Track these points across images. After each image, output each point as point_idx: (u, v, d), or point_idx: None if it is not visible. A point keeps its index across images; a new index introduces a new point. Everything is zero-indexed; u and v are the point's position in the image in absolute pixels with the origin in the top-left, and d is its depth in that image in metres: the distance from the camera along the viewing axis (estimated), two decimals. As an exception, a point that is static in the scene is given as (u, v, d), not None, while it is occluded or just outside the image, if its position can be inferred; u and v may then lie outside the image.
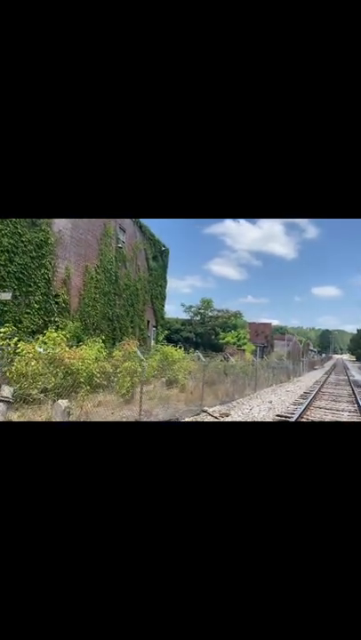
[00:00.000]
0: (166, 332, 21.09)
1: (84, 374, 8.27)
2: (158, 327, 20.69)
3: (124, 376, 8.61)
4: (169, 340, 21.62)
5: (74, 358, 7.68)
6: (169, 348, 12.31)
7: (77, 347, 8.89)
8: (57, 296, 11.11)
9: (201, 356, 10.11)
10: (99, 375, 8.47)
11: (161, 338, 20.03)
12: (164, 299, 21.35)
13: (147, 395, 9.86)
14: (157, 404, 8.86)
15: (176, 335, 21.87)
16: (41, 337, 7.55)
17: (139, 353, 8.36)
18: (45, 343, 7.30)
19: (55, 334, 7.55)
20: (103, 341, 10.39)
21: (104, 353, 8.76)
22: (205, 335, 22.49)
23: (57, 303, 11.08)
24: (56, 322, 10.82)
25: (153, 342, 18.79)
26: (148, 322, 19.49)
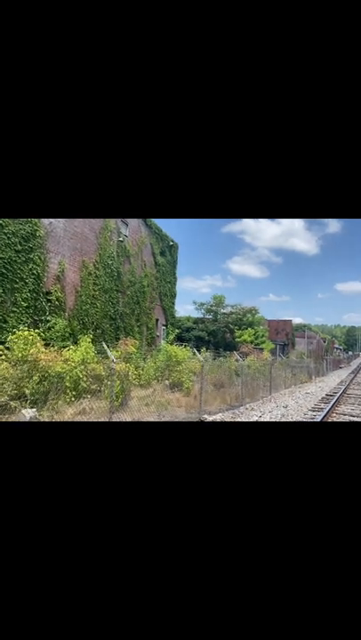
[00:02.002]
0: (177, 331, 20.01)
1: (69, 378, 7.36)
2: (168, 326, 19.67)
3: (115, 380, 7.61)
4: (180, 339, 20.56)
5: (52, 360, 6.76)
6: (173, 348, 11.24)
7: (67, 347, 7.99)
8: (49, 293, 10.31)
9: (197, 352, 8.93)
10: (85, 379, 7.54)
11: (171, 337, 18.99)
12: (173, 296, 20.30)
13: (144, 400, 8.85)
14: (153, 411, 7.81)
15: (187, 334, 20.75)
16: (10, 336, 6.66)
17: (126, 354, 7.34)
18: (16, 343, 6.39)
19: (27, 333, 6.63)
20: (93, 341, 9.50)
21: (91, 353, 7.80)
22: (219, 333, 21.18)
23: (49, 301, 10.27)
24: (48, 321, 10.01)
25: (163, 342, 17.79)
26: (157, 320, 18.51)
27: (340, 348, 78.91)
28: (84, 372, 7.58)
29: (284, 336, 34.49)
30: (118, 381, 7.53)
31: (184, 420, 7.42)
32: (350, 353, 77.91)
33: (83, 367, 7.54)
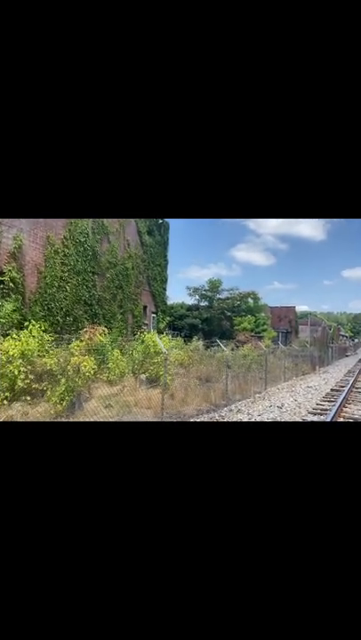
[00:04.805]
0: (168, 318, 18.38)
1: (2, 375, 5.80)
2: (159, 313, 18.04)
3: (58, 378, 6.04)
4: (173, 327, 18.95)
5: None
6: (150, 336, 9.63)
7: (7, 337, 6.41)
8: (0, 273, 8.70)
9: (159, 342, 7.29)
10: (24, 377, 5.97)
11: (162, 325, 17.39)
12: (164, 281, 18.58)
13: (108, 399, 7.30)
14: (113, 416, 6.25)
15: (180, 322, 19.09)
16: None
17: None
18: None
19: None
20: (45, 330, 7.90)
21: (34, 345, 6.21)
22: (214, 321, 19.48)
23: (1, 282, 8.66)
24: (1, 306, 8.42)
25: (153, 331, 16.21)
26: (146, 307, 16.88)
27: (346, 335, 77.25)
28: (25, 368, 6.02)
29: (288, 323, 32.77)
30: (63, 379, 5.96)
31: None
32: (356, 340, 76.42)
33: (21, 362, 5.98)
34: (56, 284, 10.51)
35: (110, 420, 6.02)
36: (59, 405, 5.75)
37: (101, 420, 5.94)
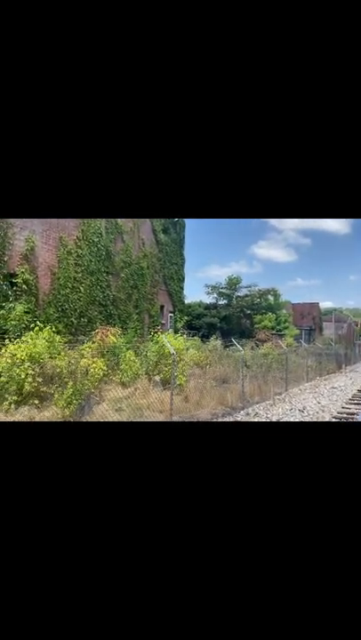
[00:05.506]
0: (186, 318, 18.03)
1: (8, 379, 5.69)
2: (176, 313, 17.75)
3: (67, 381, 5.86)
4: (190, 327, 18.59)
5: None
6: (161, 337, 9.33)
7: (17, 340, 6.31)
8: (13, 275, 8.68)
9: (167, 343, 6.96)
10: (32, 379, 5.83)
11: (180, 325, 17.07)
12: (181, 280, 18.27)
13: (119, 402, 7.07)
14: (124, 420, 6.00)
15: (198, 321, 18.72)
16: None
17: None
18: None
19: None
20: (59, 331, 7.77)
21: (41, 346, 6.06)
22: (233, 319, 18.93)
23: (14, 284, 8.64)
24: (13, 308, 8.39)
25: (170, 330, 15.93)
26: (163, 307, 16.64)
27: (375, 332, 73.99)
28: (32, 371, 5.88)
29: (311, 320, 31.60)
30: (70, 382, 5.76)
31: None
32: (386, 337, 73.16)
33: (29, 364, 5.84)
34: (70, 285, 10.44)
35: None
36: (66, 409, 5.56)
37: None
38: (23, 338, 6.33)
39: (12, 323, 7.55)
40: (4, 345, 6.07)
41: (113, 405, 6.69)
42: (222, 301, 20.10)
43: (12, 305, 8.22)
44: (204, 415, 6.41)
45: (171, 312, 17.52)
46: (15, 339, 6.43)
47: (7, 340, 6.29)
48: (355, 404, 7.83)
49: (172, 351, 6.51)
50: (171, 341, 9.01)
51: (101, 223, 11.92)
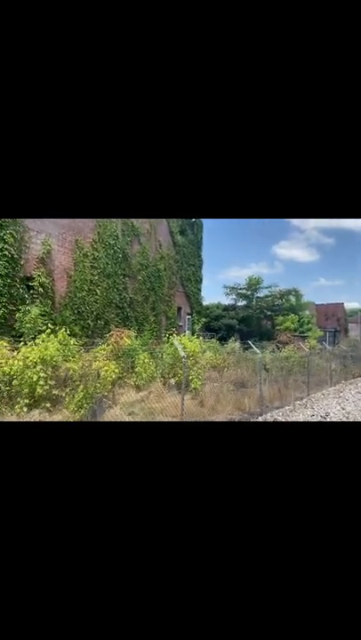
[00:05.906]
0: (204, 319, 17.77)
1: (20, 381, 5.66)
2: (194, 315, 17.53)
3: (77, 385, 5.77)
4: (209, 329, 18.28)
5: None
6: (180, 339, 9.13)
7: (31, 342, 6.31)
8: (30, 278, 8.77)
9: (179, 347, 6.72)
10: (44, 382, 5.78)
11: (198, 327, 16.82)
12: (199, 281, 18.04)
13: (132, 406, 6.92)
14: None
15: (216, 323, 18.39)
16: None
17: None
18: None
19: None
20: (75, 334, 7.74)
21: (52, 349, 6.00)
22: (253, 320, 18.44)
23: (30, 287, 8.73)
24: (28, 311, 8.47)
25: (188, 332, 15.73)
26: (180, 309, 16.48)
27: None
28: (45, 374, 5.84)
29: (335, 322, 30.46)
30: (81, 386, 5.66)
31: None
32: None
33: (41, 367, 5.80)
34: (86, 288, 10.46)
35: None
36: (76, 413, 5.46)
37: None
38: (36, 340, 6.31)
39: (27, 326, 7.58)
40: (17, 348, 6.08)
41: (126, 409, 6.55)
42: (241, 302, 19.66)
43: (27, 308, 8.29)
44: (220, 420, 6.13)
45: (188, 314, 17.32)
46: (30, 342, 6.43)
47: (22, 343, 6.30)
48: (383, 410, 7.30)
49: (183, 354, 6.28)
50: (186, 344, 8.82)
51: (117, 225, 11.92)
